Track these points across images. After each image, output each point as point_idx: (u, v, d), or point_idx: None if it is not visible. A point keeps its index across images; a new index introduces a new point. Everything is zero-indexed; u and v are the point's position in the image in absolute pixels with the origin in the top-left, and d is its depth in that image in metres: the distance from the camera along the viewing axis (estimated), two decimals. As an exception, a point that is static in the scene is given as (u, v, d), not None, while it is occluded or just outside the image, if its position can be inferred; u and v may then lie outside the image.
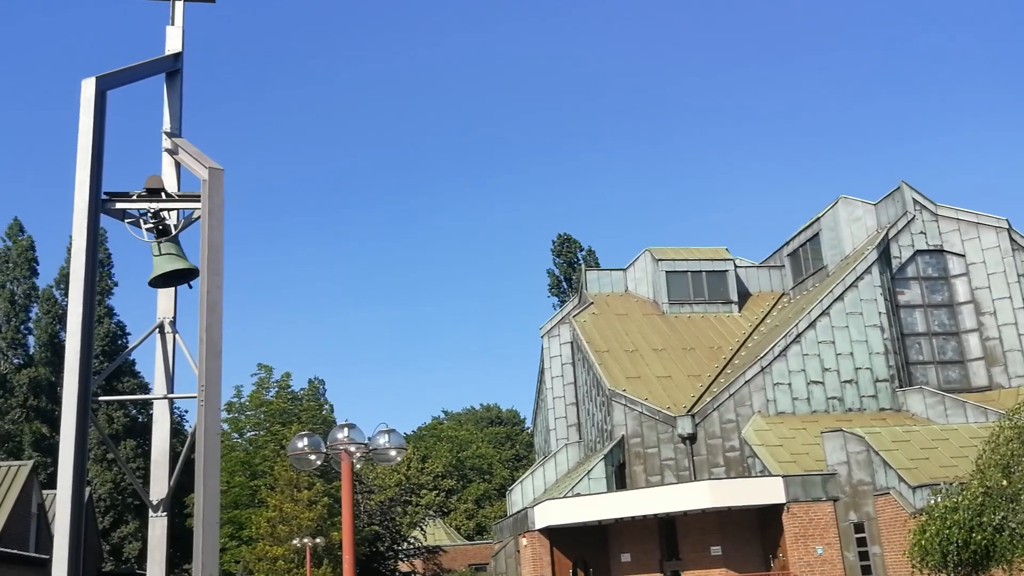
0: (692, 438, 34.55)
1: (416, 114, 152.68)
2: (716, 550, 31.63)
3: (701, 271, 43.47)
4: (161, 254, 11.19)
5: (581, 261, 66.28)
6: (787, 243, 44.59)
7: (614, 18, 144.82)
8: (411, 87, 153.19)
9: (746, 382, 34.94)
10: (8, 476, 29.72)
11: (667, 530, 32.72)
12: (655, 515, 31.61)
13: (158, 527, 11.25)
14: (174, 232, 11.44)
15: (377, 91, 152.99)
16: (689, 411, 34.83)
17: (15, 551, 25.47)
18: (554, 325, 44.29)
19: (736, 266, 44.16)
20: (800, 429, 33.57)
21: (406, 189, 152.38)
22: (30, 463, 31.49)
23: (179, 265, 11.20)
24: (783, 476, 29.90)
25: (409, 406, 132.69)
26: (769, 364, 35.16)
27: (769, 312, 42.51)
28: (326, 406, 54.55)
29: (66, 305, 50.15)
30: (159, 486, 11.37)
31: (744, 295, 44.09)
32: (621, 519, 32.08)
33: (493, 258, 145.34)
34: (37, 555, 26.91)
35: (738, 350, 39.33)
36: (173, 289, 11.79)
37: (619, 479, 35.09)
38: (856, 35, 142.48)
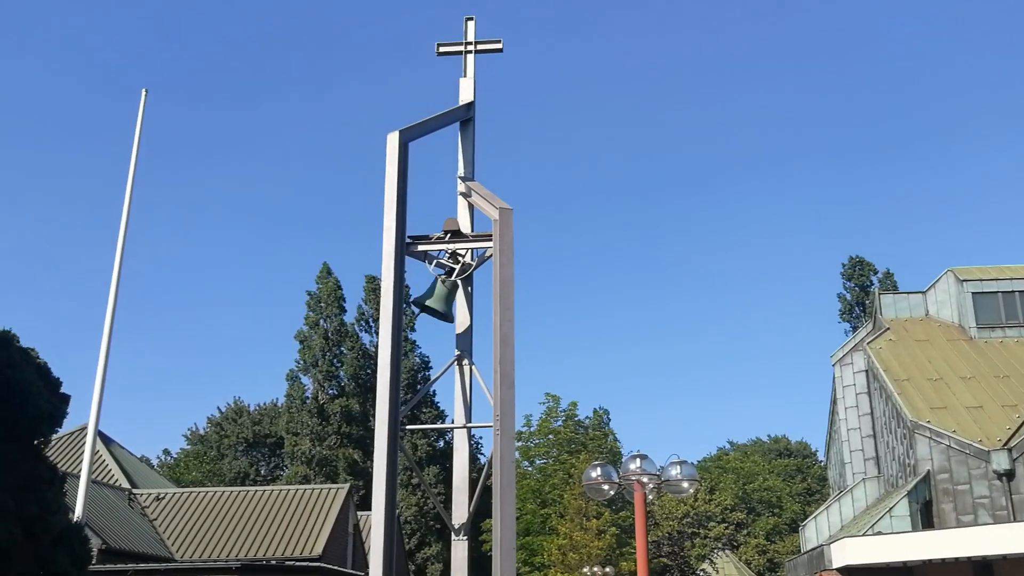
0: (1010, 474, 31.25)
1: (696, 140, 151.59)
2: (1047, 601, 28.27)
3: (1014, 291, 39.43)
4: (435, 292, 11.86)
5: (874, 284, 62.28)
6: (1121, 255, 39.29)
7: (923, 30, 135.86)
8: (687, 111, 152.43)
9: (1076, 413, 31.10)
10: (329, 498, 32.69)
11: (984, 575, 29.74)
12: (969, 558, 28.88)
13: (460, 550, 11.75)
14: (469, 271, 12.11)
15: (649, 116, 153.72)
16: (1005, 444, 31.57)
17: (337, 567, 27.79)
18: (846, 353, 42.04)
19: (1057, 284, 39.58)
20: None
21: (693, 213, 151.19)
22: (347, 486, 34.37)
23: (436, 306, 11.80)
24: None
25: (693, 436, 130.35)
26: (1105, 392, 31.06)
27: (1101, 334, 37.61)
28: (610, 435, 55.04)
29: (364, 341, 54.25)
30: (460, 511, 11.90)
31: (1069, 316, 39.34)
32: (930, 561, 29.58)
33: (778, 283, 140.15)
34: (354, 572, 29.21)
35: (1064, 377, 35.11)
36: (469, 323, 12.43)
37: (925, 518, 32.43)
38: None
